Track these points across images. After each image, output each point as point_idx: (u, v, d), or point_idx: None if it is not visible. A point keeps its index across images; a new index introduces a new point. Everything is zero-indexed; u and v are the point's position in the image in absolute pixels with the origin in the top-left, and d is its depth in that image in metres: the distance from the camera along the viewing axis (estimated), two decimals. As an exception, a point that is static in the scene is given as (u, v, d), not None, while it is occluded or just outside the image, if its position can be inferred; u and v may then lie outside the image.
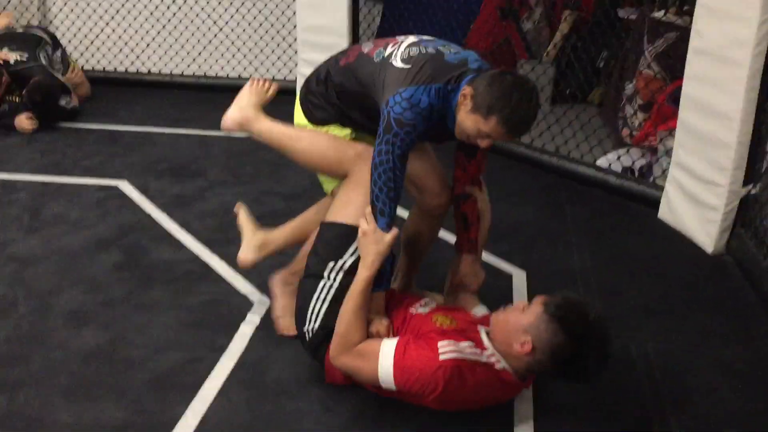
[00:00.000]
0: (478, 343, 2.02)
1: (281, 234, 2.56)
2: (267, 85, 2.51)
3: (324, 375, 2.19)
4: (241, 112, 2.47)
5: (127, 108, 5.17)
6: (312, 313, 2.15)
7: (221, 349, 2.40)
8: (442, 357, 1.93)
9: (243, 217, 2.60)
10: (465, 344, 1.99)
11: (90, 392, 2.17)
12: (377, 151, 2.07)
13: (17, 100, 4.60)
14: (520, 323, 1.98)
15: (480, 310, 2.28)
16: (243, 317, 2.58)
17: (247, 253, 2.54)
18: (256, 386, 2.22)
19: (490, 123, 2.01)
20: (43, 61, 4.77)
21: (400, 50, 2.16)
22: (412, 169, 2.26)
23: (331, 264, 2.16)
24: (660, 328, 2.59)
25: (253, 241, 2.55)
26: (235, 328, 2.51)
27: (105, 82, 5.70)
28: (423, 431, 2.06)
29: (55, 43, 5.14)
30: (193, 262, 2.98)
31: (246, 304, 2.66)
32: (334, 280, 2.14)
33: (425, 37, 2.25)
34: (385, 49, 2.20)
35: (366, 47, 2.27)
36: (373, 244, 2.06)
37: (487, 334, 2.07)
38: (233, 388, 2.21)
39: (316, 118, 2.35)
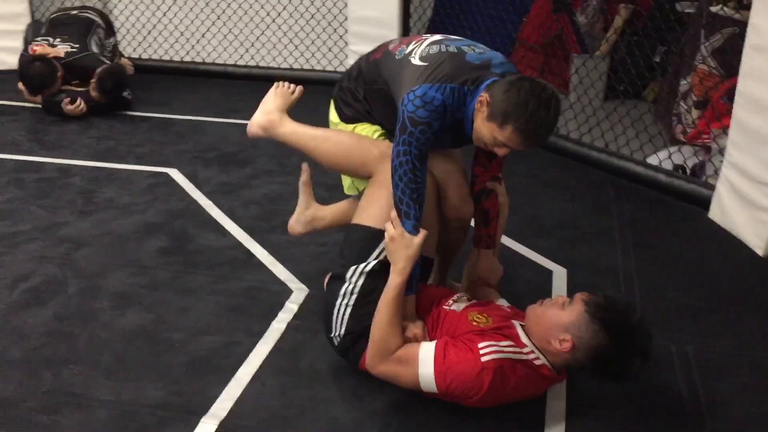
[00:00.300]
0: (517, 340, 2.01)
1: (330, 214, 2.61)
2: (292, 87, 2.51)
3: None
4: (266, 116, 2.46)
5: (181, 97, 5.29)
6: (336, 320, 2.15)
7: (259, 334, 2.44)
8: (484, 359, 1.92)
9: (304, 180, 2.63)
10: (505, 343, 1.98)
11: (131, 372, 2.24)
12: (395, 153, 2.04)
13: (77, 88, 4.73)
14: (560, 321, 1.97)
15: (502, 303, 2.27)
16: (281, 305, 2.62)
17: (296, 224, 2.67)
18: (290, 373, 2.25)
19: (505, 132, 1.96)
20: (95, 49, 4.87)
21: (420, 48, 2.14)
22: (435, 174, 2.24)
23: (353, 268, 2.15)
24: (702, 330, 2.53)
25: (304, 215, 2.65)
26: (273, 314, 2.55)
27: (160, 71, 5.86)
28: (453, 424, 2.05)
29: (109, 28, 5.22)
30: (236, 248, 3.04)
31: (285, 292, 2.70)
32: (355, 284, 2.13)
33: (452, 37, 2.21)
34: (407, 46, 2.18)
35: (393, 44, 2.26)
36: (402, 249, 2.03)
37: (523, 328, 2.06)
38: (268, 374, 2.25)
39: (346, 115, 2.36)
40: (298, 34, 5.68)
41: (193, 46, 5.90)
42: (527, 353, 1.99)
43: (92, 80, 4.65)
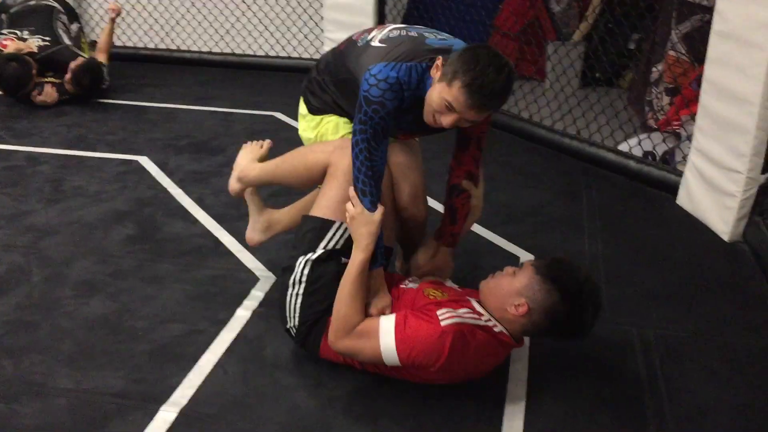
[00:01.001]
0: (474, 310, 2.05)
1: (287, 215, 2.59)
2: (260, 143, 2.57)
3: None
4: (237, 170, 2.53)
5: (155, 84, 5.24)
6: (289, 311, 2.16)
7: (223, 322, 2.44)
8: (443, 323, 1.95)
9: (249, 194, 2.62)
10: (463, 310, 2.02)
11: (92, 360, 2.23)
12: (353, 131, 2.05)
13: (54, 80, 4.61)
14: (513, 287, 2.03)
15: (451, 285, 2.30)
16: (247, 292, 2.61)
17: (253, 233, 2.64)
18: (253, 360, 2.25)
19: (453, 89, 1.91)
20: (64, 37, 4.78)
21: (381, 33, 2.15)
22: (391, 165, 2.23)
23: (301, 257, 2.16)
24: (665, 315, 2.55)
25: (259, 223, 2.61)
26: (238, 302, 2.55)
27: (134, 58, 5.81)
28: (416, 406, 2.06)
29: (71, 14, 5.09)
30: (203, 236, 3.03)
31: (251, 280, 2.69)
32: (302, 273, 2.14)
33: (416, 26, 2.22)
34: (369, 34, 2.20)
35: (356, 35, 2.27)
36: (363, 226, 2.05)
37: (478, 302, 2.10)
38: (231, 361, 2.25)
39: (313, 107, 2.36)
40: (274, 21, 5.63)
41: (167, 33, 5.85)
42: (486, 321, 2.04)
43: (67, 74, 4.58)
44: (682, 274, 2.84)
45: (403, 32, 2.14)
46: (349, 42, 2.27)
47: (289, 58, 5.65)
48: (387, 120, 2.02)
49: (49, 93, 4.56)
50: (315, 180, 2.31)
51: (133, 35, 5.91)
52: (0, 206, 3.26)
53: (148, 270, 2.76)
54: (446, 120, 1.99)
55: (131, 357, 2.25)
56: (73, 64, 4.58)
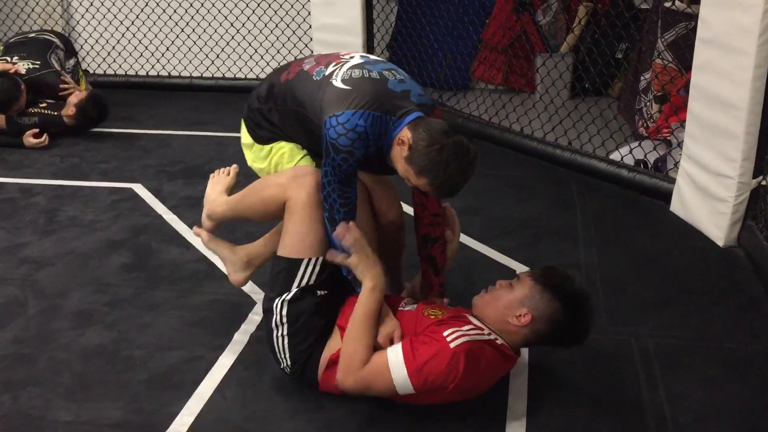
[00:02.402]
0: (476, 326, 2.06)
1: (264, 247, 2.47)
2: (226, 170, 2.54)
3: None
4: (206, 207, 2.47)
5: (147, 111, 5.27)
6: (279, 353, 2.16)
7: (221, 347, 2.43)
8: (452, 344, 1.94)
9: (210, 241, 2.49)
10: (467, 327, 2.02)
11: (90, 391, 2.22)
12: (323, 172, 2.07)
13: (49, 112, 4.57)
14: (514, 298, 2.06)
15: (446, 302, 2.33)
16: (244, 316, 2.61)
17: (235, 274, 2.47)
18: (253, 385, 2.25)
19: (420, 181, 2.01)
20: (54, 64, 4.75)
21: (342, 70, 2.11)
22: (363, 180, 2.25)
23: (277, 299, 2.15)
24: (662, 322, 2.56)
25: (237, 262, 2.46)
26: (236, 327, 2.54)
27: (125, 86, 5.83)
28: (417, 425, 2.06)
29: (69, 50, 5.09)
30: (199, 262, 3.03)
31: (248, 303, 2.69)
32: (281, 314, 2.13)
33: (372, 58, 2.20)
34: (326, 67, 2.15)
35: (307, 64, 2.21)
36: (363, 263, 2.07)
37: (475, 318, 2.11)
38: (229, 387, 2.24)
39: (260, 136, 2.33)
40: (263, 44, 5.67)
41: (158, 60, 5.88)
42: (488, 334, 2.04)
43: (71, 108, 4.51)
44: (678, 281, 2.85)
45: (365, 72, 2.09)
46: (301, 72, 2.20)
47: (280, 79, 5.67)
48: (354, 167, 2.06)
49: (44, 138, 4.46)
50: (274, 215, 2.26)
51: (124, 63, 5.94)
52: (-5, 239, 3.26)
53: (145, 298, 2.76)
54: (409, 184, 2.08)
55: (129, 386, 2.24)
56: (75, 99, 4.53)
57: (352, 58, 2.18)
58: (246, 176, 2.53)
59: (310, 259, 2.15)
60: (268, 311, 2.18)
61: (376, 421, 2.08)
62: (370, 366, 1.99)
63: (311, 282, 2.14)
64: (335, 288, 2.18)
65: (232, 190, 2.49)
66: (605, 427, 2.06)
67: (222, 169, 2.56)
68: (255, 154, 2.38)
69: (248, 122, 2.36)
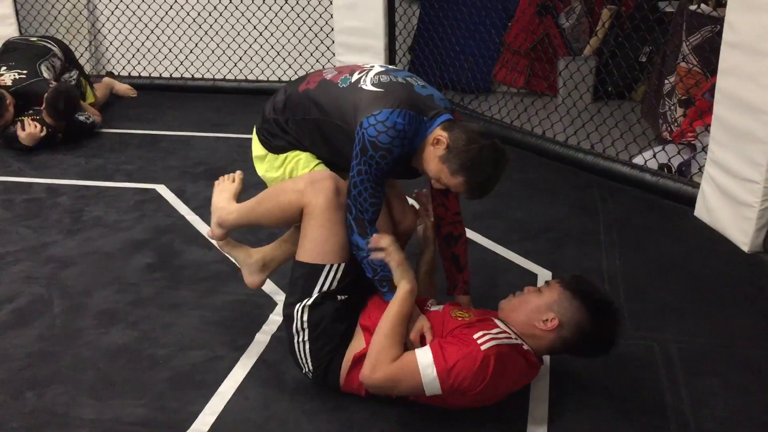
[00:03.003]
0: (503, 330, 2.05)
1: (280, 249, 2.45)
2: (231, 177, 2.50)
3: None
4: (215, 215, 2.40)
5: (170, 113, 5.31)
6: (301, 358, 2.16)
7: (242, 348, 2.44)
8: (483, 347, 1.95)
9: (225, 245, 2.48)
10: (495, 331, 2.02)
11: (113, 389, 2.24)
12: (355, 171, 2.06)
13: (34, 117, 4.41)
14: (543, 302, 2.07)
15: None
16: (266, 317, 2.62)
17: (251, 277, 2.44)
18: (274, 385, 2.26)
19: (454, 180, 2.03)
20: (45, 74, 4.60)
21: (369, 76, 2.15)
22: None
23: (298, 305, 2.15)
24: (686, 328, 2.53)
25: (253, 265, 2.43)
26: (257, 327, 2.56)
27: (149, 88, 5.89)
28: (437, 428, 2.06)
29: (70, 60, 4.95)
30: (221, 262, 3.05)
31: (270, 304, 2.71)
32: (302, 320, 2.13)
33: (391, 67, 2.24)
34: (351, 75, 2.18)
35: (328, 74, 2.24)
36: (403, 266, 2.09)
37: (501, 321, 2.10)
38: (251, 387, 2.25)
39: (275, 146, 2.33)
40: (286, 47, 5.70)
41: (181, 62, 5.94)
42: (515, 339, 2.04)
43: (43, 104, 4.37)
44: (702, 287, 2.82)
45: (392, 78, 2.14)
46: (322, 81, 2.22)
47: (302, 82, 5.70)
48: (390, 165, 2.06)
49: (31, 125, 4.35)
50: (292, 220, 2.25)
51: (148, 65, 6.00)
52: (21, 238, 3.31)
53: (168, 297, 2.78)
54: (435, 185, 2.13)
55: (152, 385, 2.26)
56: (46, 93, 4.38)
57: (373, 67, 2.21)
58: (256, 186, 2.52)
59: (332, 265, 2.14)
60: (288, 317, 2.18)
61: (397, 423, 2.08)
62: (400, 363, 1.99)
63: (333, 287, 2.14)
64: (355, 292, 2.18)
65: (238, 197, 2.46)
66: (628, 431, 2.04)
67: (226, 176, 2.51)
68: (269, 164, 2.37)
69: (262, 133, 2.36)
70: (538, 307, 2.06)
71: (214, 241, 2.54)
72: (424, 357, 1.97)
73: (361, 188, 2.07)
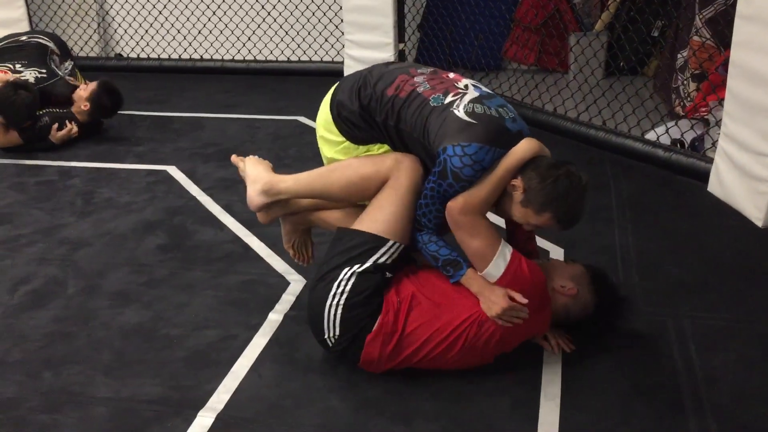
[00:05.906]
0: None
1: (308, 203, 2.40)
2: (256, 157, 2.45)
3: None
4: (260, 183, 2.33)
5: (179, 94, 5.31)
6: (328, 321, 2.13)
7: (256, 327, 2.46)
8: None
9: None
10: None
11: (129, 369, 2.27)
12: (428, 188, 2.11)
13: (57, 110, 4.32)
14: (568, 271, 2.25)
15: None
16: (278, 296, 2.63)
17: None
18: (287, 363, 2.27)
19: (542, 218, 2.08)
20: (56, 69, 4.51)
21: (463, 102, 2.12)
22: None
23: (346, 269, 2.13)
24: (699, 304, 2.52)
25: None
26: (270, 306, 2.57)
27: (158, 69, 5.89)
28: (450, 405, 2.06)
29: (64, 53, 4.82)
30: (233, 242, 3.06)
31: (282, 284, 2.72)
32: (346, 284, 2.12)
33: (484, 90, 2.21)
34: (445, 96, 2.15)
35: (421, 86, 2.19)
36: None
37: None
38: (265, 365, 2.27)
39: (356, 136, 2.30)
40: (294, 26, 5.68)
41: (190, 43, 5.92)
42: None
43: (84, 103, 4.27)
44: (716, 263, 2.80)
45: (486, 109, 2.11)
46: (414, 93, 2.18)
47: (311, 62, 5.69)
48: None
49: (72, 126, 4.27)
50: (366, 193, 2.23)
51: (157, 47, 5.99)
52: (35, 220, 3.33)
53: (181, 278, 2.80)
54: (527, 228, 2.20)
55: (167, 364, 2.28)
56: (85, 93, 4.30)
57: (466, 87, 2.19)
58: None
59: (395, 243, 2.15)
60: (328, 279, 2.14)
61: (410, 399, 2.09)
62: (489, 230, 2.09)
63: (387, 262, 2.15)
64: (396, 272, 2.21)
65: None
66: (641, 408, 2.04)
67: (252, 156, 2.46)
68: (344, 150, 2.34)
69: (344, 123, 2.29)
70: (564, 273, 2.23)
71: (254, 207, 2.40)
72: (507, 248, 2.10)
73: (430, 208, 2.13)
